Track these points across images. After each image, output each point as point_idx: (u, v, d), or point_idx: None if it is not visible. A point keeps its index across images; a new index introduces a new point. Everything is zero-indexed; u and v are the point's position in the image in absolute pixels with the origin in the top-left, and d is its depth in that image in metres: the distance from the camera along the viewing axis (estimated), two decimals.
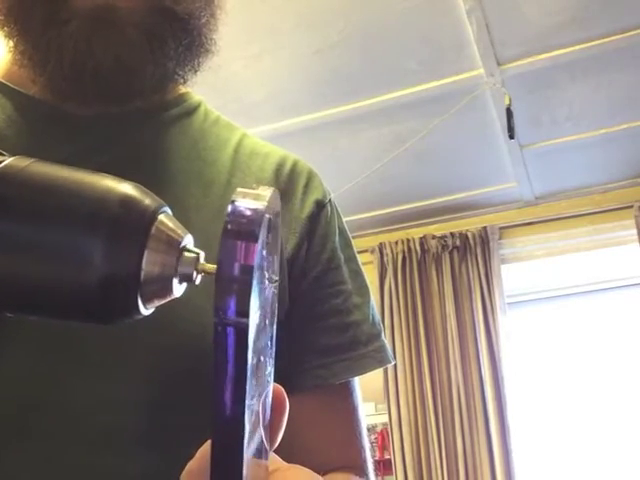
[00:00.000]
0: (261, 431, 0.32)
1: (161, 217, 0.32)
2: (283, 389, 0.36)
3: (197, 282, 0.32)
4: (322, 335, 0.64)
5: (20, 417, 0.51)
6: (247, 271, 0.27)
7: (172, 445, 0.51)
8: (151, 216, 0.32)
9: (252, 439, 0.31)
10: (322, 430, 0.65)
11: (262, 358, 0.32)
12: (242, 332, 0.27)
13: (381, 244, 3.65)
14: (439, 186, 3.39)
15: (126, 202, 0.31)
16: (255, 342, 0.29)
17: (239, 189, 0.30)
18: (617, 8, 2.25)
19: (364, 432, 0.67)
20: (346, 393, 0.66)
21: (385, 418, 3.48)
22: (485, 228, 3.55)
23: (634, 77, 2.61)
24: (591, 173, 3.32)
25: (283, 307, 0.62)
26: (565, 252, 3.55)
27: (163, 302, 0.33)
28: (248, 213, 0.28)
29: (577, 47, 2.41)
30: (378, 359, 0.66)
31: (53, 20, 0.55)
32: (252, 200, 0.29)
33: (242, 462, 0.28)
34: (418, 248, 3.59)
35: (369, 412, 3.47)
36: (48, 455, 0.51)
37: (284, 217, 0.65)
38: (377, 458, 3.49)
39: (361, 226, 3.57)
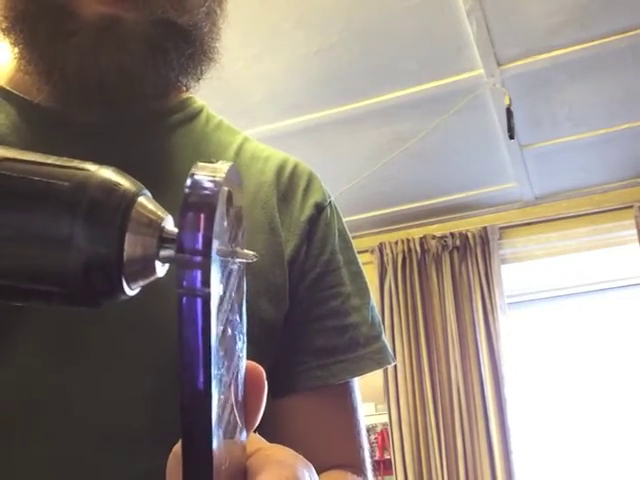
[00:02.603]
0: (235, 409, 0.32)
1: (141, 199, 0.33)
2: (260, 366, 0.35)
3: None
4: (321, 336, 0.65)
5: (26, 417, 0.52)
6: (206, 241, 0.28)
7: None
8: (131, 199, 0.32)
9: (225, 414, 0.31)
10: (321, 430, 0.65)
11: (230, 330, 0.32)
12: (204, 301, 0.28)
13: (381, 244, 3.65)
14: (439, 186, 3.39)
15: (105, 186, 0.32)
16: (219, 312, 0.29)
17: (198, 163, 0.31)
18: (617, 8, 2.25)
19: (363, 432, 0.68)
20: (345, 394, 0.67)
21: (385, 418, 3.48)
22: (485, 228, 3.55)
23: (634, 77, 2.61)
24: (591, 173, 3.32)
25: (283, 308, 0.63)
26: (565, 252, 3.55)
27: (147, 282, 0.34)
28: (206, 185, 0.29)
29: (577, 47, 2.41)
30: (377, 360, 0.67)
31: (60, 32, 0.55)
32: (210, 173, 0.30)
33: (211, 429, 0.28)
34: (418, 248, 3.59)
35: (369, 412, 3.48)
36: (54, 454, 0.51)
37: (285, 220, 0.65)
38: (377, 458, 3.49)
39: (361, 226, 3.57)
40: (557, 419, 3.72)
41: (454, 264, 3.55)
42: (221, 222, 0.29)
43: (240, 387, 0.34)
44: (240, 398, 0.34)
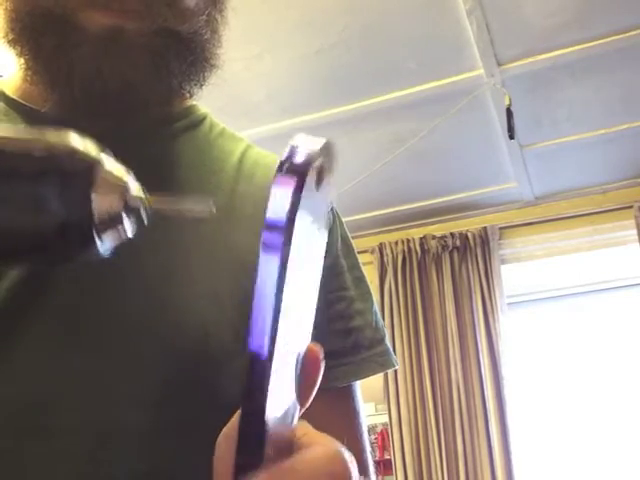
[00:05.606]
0: (293, 381, 0.33)
1: (104, 161, 0.37)
2: (318, 345, 0.36)
3: (145, 219, 0.38)
4: (325, 340, 0.65)
5: (33, 415, 0.52)
6: (293, 204, 0.29)
7: (183, 443, 0.51)
8: (94, 163, 0.37)
9: (283, 383, 0.31)
10: (325, 432, 0.65)
11: (302, 300, 0.33)
12: (282, 258, 0.29)
13: (381, 244, 3.65)
14: (439, 186, 3.39)
15: (71, 154, 0.37)
16: (296, 274, 0.30)
17: (298, 135, 0.32)
18: (617, 8, 2.25)
19: (366, 435, 0.68)
20: (348, 397, 0.67)
21: (385, 418, 3.48)
22: (485, 228, 3.55)
23: (634, 77, 2.61)
24: (591, 173, 3.32)
25: None
26: (565, 252, 3.55)
27: (119, 238, 0.38)
28: (301, 154, 0.30)
29: (577, 47, 2.41)
30: (381, 363, 0.68)
31: (64, 44, 0.57)
32: (309, 145, 0.31)
33: (267, 386, 0.29)
34: (418, 248, 3.59)
35: (369, 412, 3.48)
36: (60, 452, 0.52)
37: None
38: (377, 458, 3.49)
39: (361, 226, 3.57)
40: (557, 419, 3.72)
41: (454, 264, 3.55)
42: (310, 191, 0.30)
43: (299, 363, 0.35)
44: (297, 373, 0.35)
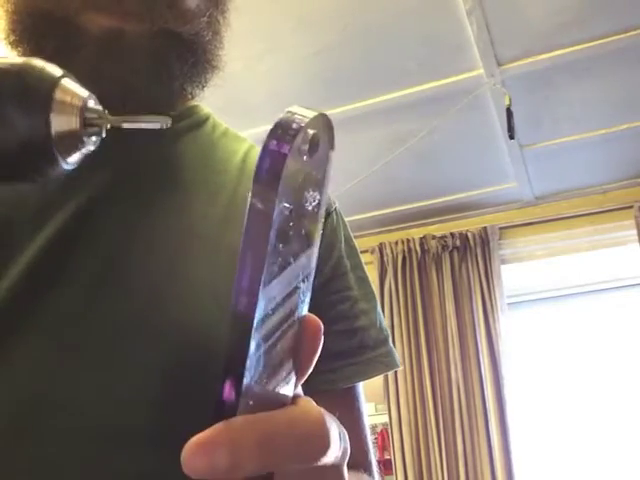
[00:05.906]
0: (285, 348, 0.33)
1: (63, 82, 0.39)
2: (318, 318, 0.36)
3: (104, 134, 0.40)
4: (330, 340, 0.65)
5: (30, 416, 0.52)
6: (278, 163, 0.29)
7: (182, 444, 0.51)
8: (53, 82, 0.38)
9: (274, 346, 0.31)
10: None
11: (293, 261, 0.32)
12: (264, 213, 0.29)
13: (381, 244, 3.65)
14: (439, 186, 3.39)
15: (30, 74, 0.38)
16: (283, 234, 0.30)
17: (294, 106, 0.32)
18: (617, 8, 2.24)
19: (369, 436, 0.68)
20: (352, 398, 0.67)
21: (385, 418, 3.48)
22: (485, 228, 3.55)
23: (634, 77, 2.61)
24: (591, 173, 3.32)
25: None
26: (565, 252, 3.55)
27: (81, 154, 0.40)
28: (294, 120, 0.30)
29: (577, 47, 2.41)
30: (385, 363, 0.67)
31: (65, 47, 0.56)
32: (302, 112, 0.31)
33: (248, 343, 0.28)
34: (418, 248, 3.59)
35: (369, 412, 3.47)
36: (57, 454, 0.51)
37: None
38: (377, 458, 3.49)
39: (361, 226, 3.57)
40: (557, 419, 3.72)
41: (454, 264, 3.55)
42: (299, 155, 0.30)
43: (296, 330, 0.34)
44: (293, 341, 0.34)
